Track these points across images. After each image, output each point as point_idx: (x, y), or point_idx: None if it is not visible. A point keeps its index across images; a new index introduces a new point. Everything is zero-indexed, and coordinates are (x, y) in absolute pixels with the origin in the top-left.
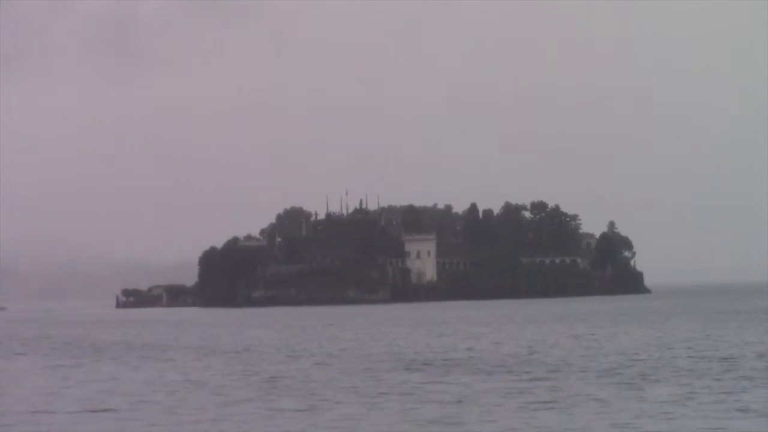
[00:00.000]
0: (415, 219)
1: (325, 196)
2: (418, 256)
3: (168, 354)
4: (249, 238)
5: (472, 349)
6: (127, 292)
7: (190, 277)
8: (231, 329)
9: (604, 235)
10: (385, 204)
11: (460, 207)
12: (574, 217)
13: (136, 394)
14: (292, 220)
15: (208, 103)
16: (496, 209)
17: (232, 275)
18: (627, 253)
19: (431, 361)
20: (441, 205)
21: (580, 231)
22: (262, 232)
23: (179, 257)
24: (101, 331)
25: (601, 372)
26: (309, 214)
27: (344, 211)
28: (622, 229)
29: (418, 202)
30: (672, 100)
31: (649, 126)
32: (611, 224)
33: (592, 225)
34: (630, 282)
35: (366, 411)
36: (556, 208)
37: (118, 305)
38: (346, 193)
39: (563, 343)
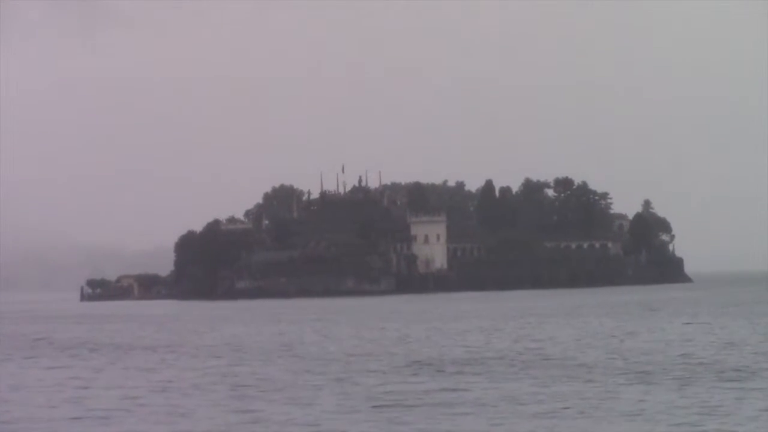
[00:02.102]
0: (422, 198)
1: (319, 173)
2: (426, 240)
3: (127, 354)
4: (232, 220)
5: (471, 347)
6: (93, 283)
7: (164, 266)
8: (208, 325)
9: (638, 216)
10: (387, 181)
11: (473, 184)
12: (604, 196)
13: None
14: (281, 199)
15: (185, 68)
16: (515, 187)
17: (213, 263)
18: (664, 237)
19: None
20: (452, 182)
21: (611, 211)
22: (247, 213)
23: (153, 243)
24: (60, 327)
25: (636, 375)
26: (301, 193)
27: (341, 190)
28: (659, 210)
29: (426, 178)
30: (711, 67)
31: (686, 93)
32: (646, 204)
33: (625, 205)
34: (668, 269)
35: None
36: (584, 186)
37: (83, 298)
38: (343, 169)
39: (588, 339)
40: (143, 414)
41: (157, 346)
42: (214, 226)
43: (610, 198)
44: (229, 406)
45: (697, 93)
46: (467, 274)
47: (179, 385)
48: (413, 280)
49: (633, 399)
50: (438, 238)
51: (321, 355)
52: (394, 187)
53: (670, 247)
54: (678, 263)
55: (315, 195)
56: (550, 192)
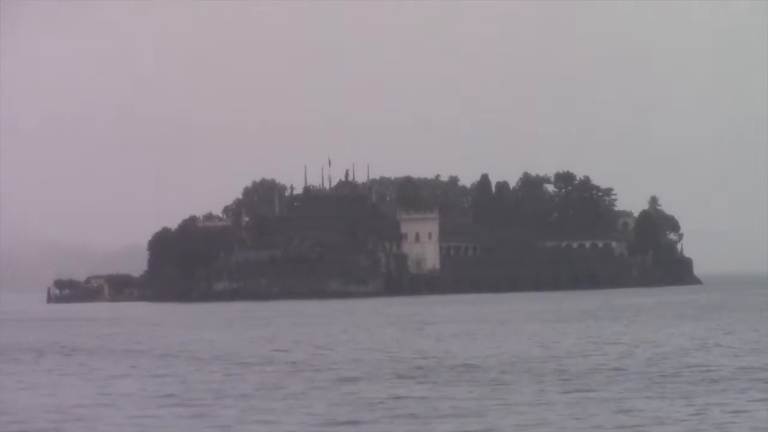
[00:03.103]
0: (413, 193)
1: (303, 166)
2: (417, 239)
3: (96, 359)
4: (210, 217)
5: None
6: (60, 284)
7: (137, 266)
8: (183, 329)
9: (644, 214)
10: (376, 175)
11: (468, 179)
12: (608, 192)
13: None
14: (262, 195)
15: (161, 49)
16: (513, 182)
17: (189, 263)
18: (672, 236)
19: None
20: (445, 177)
21: (616, 209)
22: (226, 209)
23: (124, 241)
24: (27, 331)
25: (643, 383)
26: (283, 188)
27: (326, 185)
28: (667, 207)
29: (417, 173)
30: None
31: (693, 85)
32: (653, 200)
33: (630, 201)
34: (676, 271)
35: None
36: (586, 181)
37: (50, 299)
38: (329, 163)
39: (589, 345)
40: (106, 424)
41: (129, 351)
42: (190, 224)
43: (615, 194)
44: (199, 417)
45: (704, 84)
46: (461, 275)
47: (150, 392)
48: (403, 282)
49: (638, 409)
50: (430, 236)
51: (301, 361)
52: (383, 182)
53: (678, 246)
54: (686, 264)
55: (298, 190)
56: (551, 187)
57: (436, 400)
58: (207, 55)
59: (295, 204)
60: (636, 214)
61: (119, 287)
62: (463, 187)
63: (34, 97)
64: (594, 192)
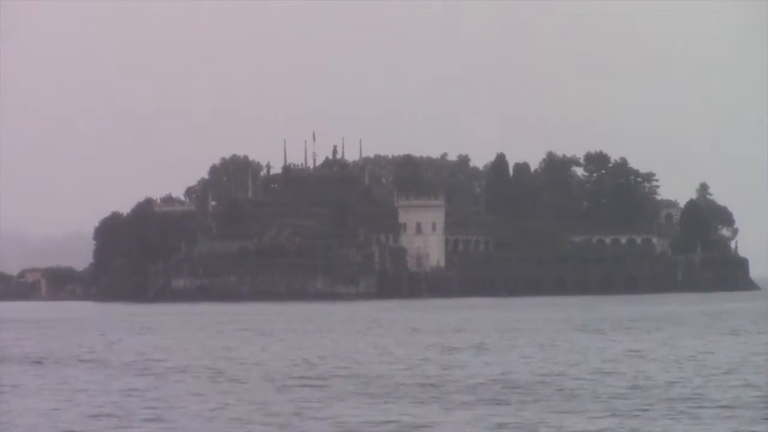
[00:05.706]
0: (414, 175)
1: (282, 141)
2: (419, 230)
3: (24, 370)
4: (169, 200)
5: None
6: None
7: (81, 257)
8: (129, 334)
9: (691, 204)
10: (370, 153)
11: (481, 159)
12: (649, 177)
13: None
14: (233, 174)
15: (117, 7)
16: (535, 163)
17: (144, 255)
18: (725, 231)
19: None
20: (453, 156)
21: (657, 197)
22: (189, 191)
23: (65, 227)
24: None
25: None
26: (258, 167)
27: (310, 163)
28: (719, 196)
29: (419, 151)
30: None
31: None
32: (702, 188)
33: (675, 189)
34: (728, 273)
35: None
36: (623, 164)
37: None
38: (313, 137)
39: (619, 363)
40: None
41: (61, 359)
42: (145, 208)
43: (657, 180)
44: None
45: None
46: (470, 275)
47: (80, 409)
48: (401, 282)
49: None
50: (434, 227)
51: (259, 378)
52: (379, 161)
53: (732, 244)
54: (741, 265)
55: (276, 169)
56: (580, 171)
57: None
58: (172, 21)
59: (272, 186)
60: (682, 204)
61: (59, 283)
62: (475, 169)
63: None
64: (632, 177)
